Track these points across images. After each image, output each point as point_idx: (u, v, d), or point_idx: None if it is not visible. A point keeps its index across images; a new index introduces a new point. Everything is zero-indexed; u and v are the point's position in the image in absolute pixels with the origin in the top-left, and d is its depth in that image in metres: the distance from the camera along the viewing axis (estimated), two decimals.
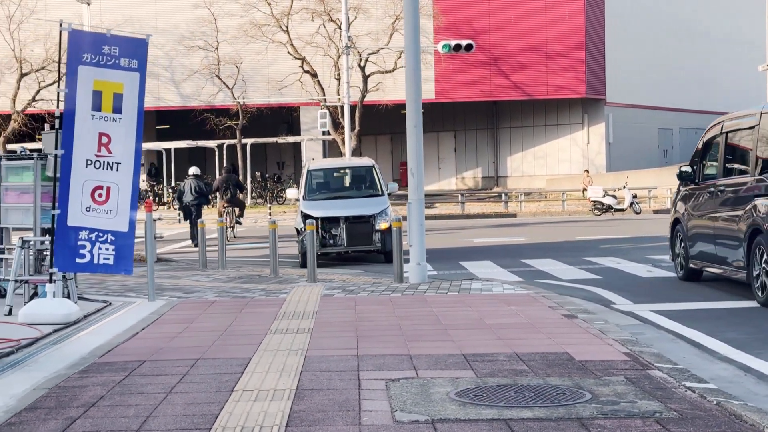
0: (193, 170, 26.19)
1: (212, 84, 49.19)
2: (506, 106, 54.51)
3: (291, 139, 51.58)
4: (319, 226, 18.94)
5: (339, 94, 44.31)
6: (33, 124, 45.98)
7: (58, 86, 11.09)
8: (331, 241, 19.19)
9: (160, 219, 24.78)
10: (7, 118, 48.50)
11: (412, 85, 14.84)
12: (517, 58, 50.60)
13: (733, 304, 12.02)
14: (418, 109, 14.84)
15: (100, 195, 10.92)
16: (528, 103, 53.03)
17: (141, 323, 10.64)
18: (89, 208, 10.93)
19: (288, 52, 46.94)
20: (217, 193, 27.86)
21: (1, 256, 12.99)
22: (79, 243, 10.91)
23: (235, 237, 27.51)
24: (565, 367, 7.64)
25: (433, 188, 55.87)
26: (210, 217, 28.18)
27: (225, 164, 43.44)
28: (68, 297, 11.72)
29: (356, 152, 44.52)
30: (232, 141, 49.10)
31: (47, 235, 11.83)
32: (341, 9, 41.08)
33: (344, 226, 19.11)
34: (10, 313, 11.26)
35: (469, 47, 35.99)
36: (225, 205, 27.34)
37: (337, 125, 45.48)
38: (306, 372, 7.69)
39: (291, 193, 21.95)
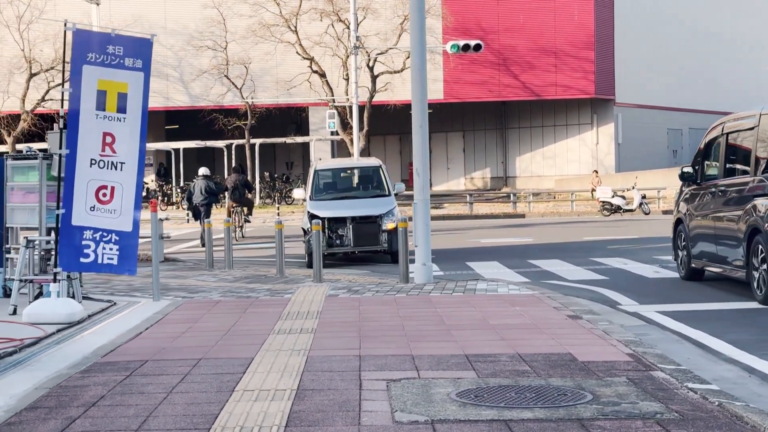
0: (203, 171, 26.24)
1: (221, 84, 49.21)
2: (515, 107, 54.43)
3: (300, 139, 51.59)
4: (326, 226, 18.94)
5: (347, 95, 44.30)
6: (42, 124, 46.05)
7: (63, 86, 11.09)
8: (337, 242, 19.18)
9: (167, 219, 24.84)
10: (16, 118, 48.58)
11: (417, 85, 14.81)
12: (526, 58, 50.52)
13: (739, 305, 11.98)
14: (424, 109, 14.81)
15: (104, 195, 10.93)
16: (537, 103, 52.95)
17: (145, 323, 10.64)
18: (93, 207, 10.93)
19: (297, 53, 46.94)
20: (226, 193, 27.93)
21: (7, 255, 13.03)
22: (84, 243, 10.92)
23: (243, 237, 27.56)
24: (568, 368, 7.61)
25: (442, 188, 55.84)
26: (218, 217, 28.18)
27: (234, 164, 43.50)
28: (73, 297, 11.72)
29: (365, 152, 44.50)
30: (241, 141, 49.12)
31: (52, 235, 11.83)
32: (350, 9, 41.07)
33: (351, 227, 19.10)
34: (14, 312, 11.28)
35: (477, 47, 35.95)
36: (233, 204, 27.42)
37: (345, 125, 45.48)
38: (307, 372, 7.67)
39: (298, 193, 21.93)
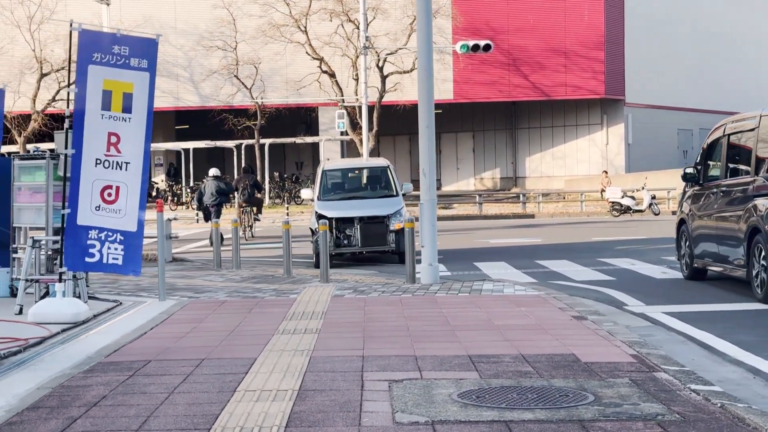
0: (213, 171, 26.34)
1: (231, 84, 49.26)
2: (525, 107, 54.36)
3: (309, 139, 51.62)
4: (334, 226, 18.95)
5: (357, 95, 44.30)
6: (53, 124, 46.15)
7: (68, 86, 11.11)
8: (345, 242, 19.18)
9: (175, 219, 24.89)
10: (27, 118, 48.71)
11: (424, 85, 14.80)
12: (536, 59, 50.44)
13: (746, 306, 11.94)
14: (431, 109, 14.79)
15: (109, 194, 10.94)
16: (547, 103, 52.87)
17: (150, 323, 10.64)
18: (99, 207, 10.95)
19: (306, 53, 46.97)
20: (236, 193, 28.05)
21: (14, 255, 13.07)
22: (89, 242, 10.94)
23: (253, 236, 27.63)
24: (571, 369, 7.58)
25: (452, 189, 55.81)
26: (228, 217, 28.20)
27: (243, 164, 43.54)
28: (79, 297, 11.74)
29: (374, 152, 44.50)
30: (251, 141, 49.17)
31: (59, 235, 11.85)
32: (359, 9, 41.08)
33: (358, 227, 19.10)
34: (20, 312, 11.30)
35: (487, 47, 35.95)
36: (243, 205, 27.54)
37: (355, 125, 45.49)
38: (310, 373, 7.66)
39: (306, 193, 21.94)
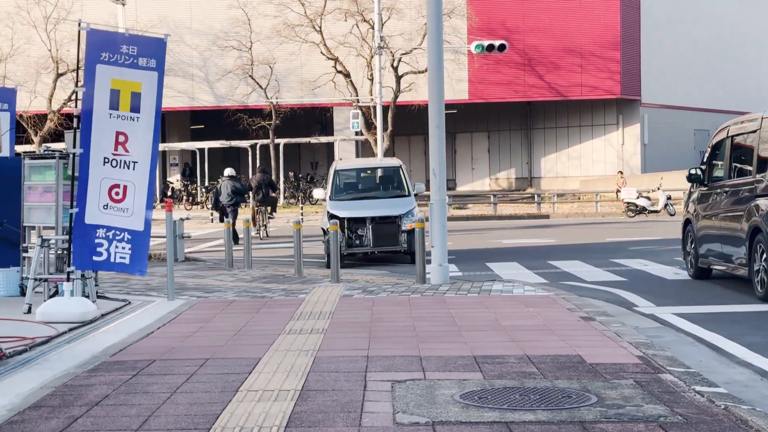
0: (228, 171, 26.54)
1: (246, 84, 49.30)
2: (540, 107, 54.21)
3: (324, 139, 51.61)
4: (346, 226, 18.94)
5: (372, 95, 44.28)
6: (69, 124, 46.19)
7: (76, 85, 11.13)
8: (357, 242, 19.16)
9: (188, 219, 24.89)
10: (43, 117, 48.89)
11: (435, 85, 14.78)
12: (551, 59, 50.29)
13: (757, 308, 11.86)
14: (441, 109, 14.77)
15: (117, 193, 10.94)
16: (562, 103, 52.72)
17: (157, 322, 10.64)
18: (107, 206, 10.96)
19: (321, 53, 46.97)
20: (251, 193, 28.22)
21: (25, 254, 13.10)
22: (97, 241, 10.95)
23: (268, 236, 27.72)
24: (575, 370, 7.54)
25: (467, 189, 55.72)
26: (242, 217, 28.27)
27: (258, 164, 43.60)
28: (88, 296, 11.76)
29: (389, 152, 44.45)
30: (266, 141, 49.21)
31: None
32: (374, 9, 41.04)
33: (370, 227, 19.07)
34: (29, 311, 11.32)
35: (502, 47, 35.85)
36: (257, 205, 27.71)
37: (369, 125, 45.48)
38: (313, 373, 7.64)
39: (318, 193, 21.95)
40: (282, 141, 49.08)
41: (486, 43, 36.01)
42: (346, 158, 42.92)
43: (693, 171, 15.02)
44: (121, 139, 10.87)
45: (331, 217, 18.51)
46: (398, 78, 45.73)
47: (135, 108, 10.95)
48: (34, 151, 14.91)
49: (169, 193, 51.25)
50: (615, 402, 6.45)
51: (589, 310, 10.98)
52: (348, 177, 21.26)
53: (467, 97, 50.63)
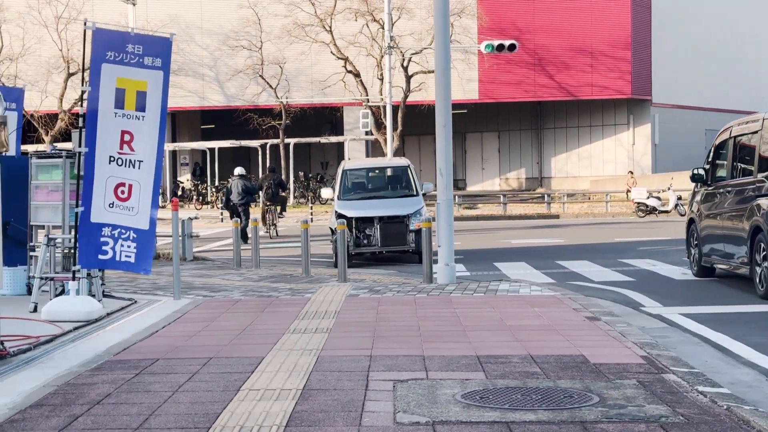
0: (239, 170, 26.65)
1: (256, 84, 49.34)
2: (551, 107, 54.12)
3: (334, 139, 51.61)
4: (354, 225, 18.93)
5: (382, 94, 44.27)
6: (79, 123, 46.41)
7: (83, 84, 11.14)
8: (365, 241, 19.14)
9: (196, 218, 24.97)
10: (54, 117, 49.02)
11: (441, 85, 14.75)
12: (561, 58, 50.19)
13: (765, 308, 11.79)
14: (448, 109, 14.74)
15: (122, 192, 10.96)
16: (573, 103, 52.62)
17: (162, 321, 10.65)
18: (112, 204, 10.97)
19: (331, 52, 46.99)
20: (261, 192, 28.31)
21: (31, 253, 13.13)
22: (102, 239, 10.96)
23: (277, 235, 27.76)
24: (578, 370, 7.51)
25: (477, 189, 55.65)
26: (252, 217, 28.32)
27: (268, 164, 43.65)
28: (94, 295, 11.77)
29: (399, 152, 44.44)
30: (276, 141, 49.24)
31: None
32: (384, 9, 41.03)
33: (378, 226, 19.05)
34: (35, 310, 11.34)
35: (512, 47, 35.79)
36: (267, 203, 27.79)
37: (379, 125, 45.47)
38: (316, 372, 7.63)
39: (326, 192, 21.97)
40: (292, 141, 49.10)
41: (496, 42, 35.95)
42: (355, 158, 42.94)
43: (696, 171, 15.25)
44: (127, 138, 10.87)
45: (339, 216, 18.50)
46: (408, 78, 45.72)
47: (140, 107, 10.96)
48: (45, 150, 14.97)
49: (179, 193, 51.36)
50: (617, 402, 6.42)
51: (595, 310, 10.94)
52: (356, 177, 21.25)
53: (477, 97, 50.58)
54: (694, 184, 15.63)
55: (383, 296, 12.88)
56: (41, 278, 11.78)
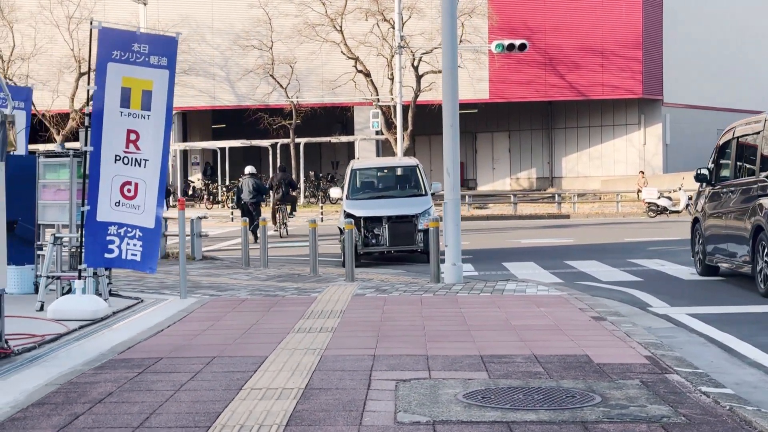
0: (249, 169, 26.79)
1: (266, 83, 49.37)
2: (561, 106, 54.02)
3: (344, 138, 51.62)
4: (362, 225, 18.92)
5: (392, 94, 44.25)
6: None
7: (88, 83, 11.15)
8: (373, 241, 19.13)
9: (205, 217, 25.02)
10: (65, 116, 49.15)
11: (448, 85, 14.75)
12: (572, 58, 50.08)
13: None
14: (455, 108, 14.73)
15: (128, 190, 10.96)
16: (583, 103, 52.50)
17: (168, 320, 10.65)
18: (118, 203, 10.98)
19: (341, 52, 46.99)
20: (271, 191, 28.41)
21: (39, 252, 13.15)
22: (108, 238, 10.97)
23: (288, 235, 27.80)
24: (582, 370, 7.48)
25: (487, 188, 55.59)
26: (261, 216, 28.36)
27: (279, 163, 43.69)
28: (100, 294, 11.78)
29: (409, 152, 44.42)
30: (286, 140, 49.27)
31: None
32: (395, 9, 41.04)
33: (387, 226, 19.03)
34: (41, 308, 11.36)
35: (522, 47, 35.73)
36: (277, 202, 27.87)
37: (390, 125, 45.46)
38: (318, 371, 7.62)
39: (335, 192, 21.97)
40: (302, 140, 49.12)
41: (506, 42, 35.89)
42: (365, 157, 42.91)
43: (701, 171, 15.45)
44: (133, 137, 10.88)
45: (348, 216, 18.49)
46: (418, 77, 45.69)
47: (146, 106, 10.97)
48: (53, 150, 14.99)
49: (190, 192, 51.44)
50: (619, 402, 6.40)
51: (601, 310, 10.91)
52: (365, 176, 21.24)
53: (488, 97, 50.50)
54: (698, 183, 15.83)
55: (389, 296, 12.87)
56: (48, 277, 11.80)
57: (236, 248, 23.81)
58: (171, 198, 39.80)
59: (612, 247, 22.05)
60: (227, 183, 49.27)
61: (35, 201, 12.99)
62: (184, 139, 53.99)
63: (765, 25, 57.38)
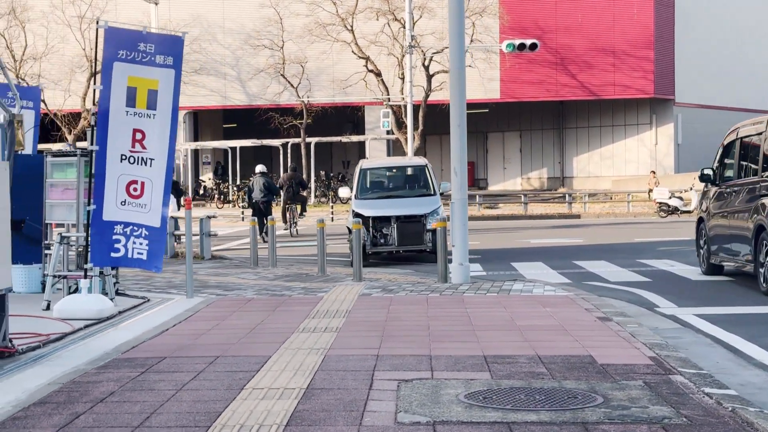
0: (260, 168, 26.91)
1: (277, 83, 49.39)
2: (573, 106, 53.92)
3: (355, 138, 51.61)
4: (371, 225, 18.91)
5: (403, 94, 44.22)
6: None
7: (94, 83, 11.17)
8: (382, 241, 19.12)
9: (214, 216, 25.03)
10: (77, 116, 49.28)
11: (456, 85, 14.71)
12: (584, 58, 49.97)
13: None
14: (462, 108, 14.70)
15: (135, 189, 10.98)
16: (595, 103, 52.39)
17: (173, 320, 10.66)
18: (125, 202, 10.99)
19: (352, 52, 46.98)
20: (281, 191, 28.51)
21: (46, 251, 13.18)
22: (114, 237, 10.99)
23: (297, 234, 27.85)
24: (585, 371, 7.45)
25: (498, 188, 55.52)
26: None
27: (289, 163, 43.71)
28: (107, 293, 11.80)
29: (420, 152, 44.39)
30: (297, 140, 49.30)
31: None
32: (405, 8, 41.02)
33: (395, 226, 19.02)
34: (48, 308, 11.37)
35: (533, 46, 35.73)
36: (287, 202, 27.95)
37: (400, 124, 45.44)
38: (321, 371, 7.61)
39: (344, 191, 21.99)
40: (313, 140, 49.14)
41: (517, 42, 35.88)
42: (375, 157, 42.92)
43: (705, 171, 15.62)
44: (138, 136, 10.89)
45: (356, 215, 18.49)
46: (429, 77, 45.65)
47: (152, 105, 10.98)
48: (61, 149, 15.05)
49: (201, 192, 51.51)
50: (621, 403, 6.37)
51: (607, 310, 10.87)
52: (373, 176, 21.24)
53: (499, 96, 50.43)
54: (703, 183, 15.97)
55: (396, 296, 12.85)
56: (54, 276, 11.83)
57: (245, 248, 23.82)
58: (183, 198, 39.87)
59: (621, 248, 21.99)
60: (238, 182, 49.32)
61: (43, 200, 13.01)
62: (195, 139, 54.08)
63: None
